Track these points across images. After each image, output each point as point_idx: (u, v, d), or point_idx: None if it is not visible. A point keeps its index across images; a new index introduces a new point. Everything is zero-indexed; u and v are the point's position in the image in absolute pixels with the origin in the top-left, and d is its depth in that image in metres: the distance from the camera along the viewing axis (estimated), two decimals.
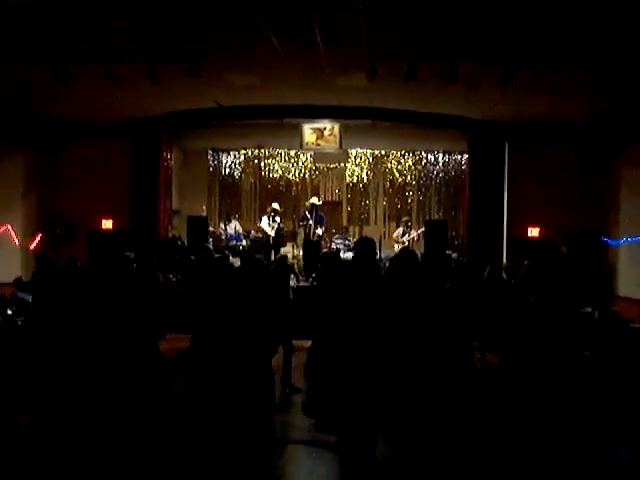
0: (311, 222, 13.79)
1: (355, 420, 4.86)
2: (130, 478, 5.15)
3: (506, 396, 7.05)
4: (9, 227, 12.85)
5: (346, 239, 14.89)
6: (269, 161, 16.91)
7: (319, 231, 13.81)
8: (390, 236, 15.30)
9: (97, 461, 5.20)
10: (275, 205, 14.64)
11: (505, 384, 7.18)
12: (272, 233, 14.05)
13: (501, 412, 7.01)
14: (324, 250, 13.96)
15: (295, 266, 12.16)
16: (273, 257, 13.50)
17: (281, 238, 14.52)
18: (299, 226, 14.67)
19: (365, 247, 5.29)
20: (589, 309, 10.47)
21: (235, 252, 14.05)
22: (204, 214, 15.17)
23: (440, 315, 5.27)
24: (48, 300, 7.77)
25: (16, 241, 13.02)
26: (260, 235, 14.63)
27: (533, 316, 7.24)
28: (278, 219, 14.39)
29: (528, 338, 7.08)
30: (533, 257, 10.84)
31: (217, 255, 8.19)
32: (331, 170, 16.88)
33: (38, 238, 13.52)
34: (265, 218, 14.41)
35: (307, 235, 13.81)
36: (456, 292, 6.55)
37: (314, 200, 14.33)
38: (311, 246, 13.73)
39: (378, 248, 13.36)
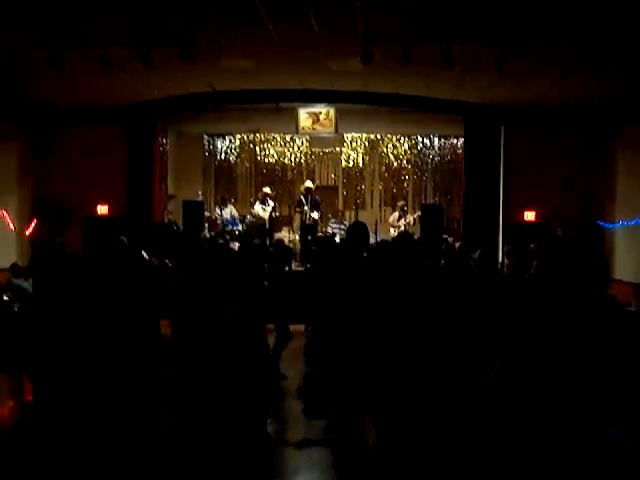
0: (306, 207, 13.85)
1: (350, 402, 4.89)
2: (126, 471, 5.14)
3: (502, 380, 7.10)
4: (4, 213, 12.81)
5: (342, 223, 14.89)
6: (265, 145, 16.86)
7: (315, 215, 13.86)
8: (386, 220, 15.30)
9: (94, 452, 5.19)
10: (266, 189, 14.78)
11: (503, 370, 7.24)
12: (266, 216, 14.16)
13: (496, 396, 7.04)
14: (319, 234, 14.01)
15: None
16: (269, 241, 13.56)
17: (276, 222, 14.59)
18: (295, 211, 14.75)
19: (358, 232, 5.33)
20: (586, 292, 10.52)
21: (232, 237, 14.10)
22: (200, 199, 15.14)
23: (436, 297, 5.31)
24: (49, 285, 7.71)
25: (12, 227, 12.99)
26: (255, 220, 14.66)
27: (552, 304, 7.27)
28: (271, 203, 14.49)
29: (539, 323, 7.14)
30: (535, 241, 10.88)
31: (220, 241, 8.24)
32: (327, 154, 16.84)
33: (34, 224, 13.49)
34: (258, 203, 14.54)
35: (303, 220, 13.88)
36: (446, 274, 6.57)
37: (308, 184, 14.40)
38: (307, 230, 13.78)
39: (372, 232, 13.56)
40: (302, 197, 14.21)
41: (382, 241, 9.96)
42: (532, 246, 10.54)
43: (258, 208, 14.57)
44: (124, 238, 7.54)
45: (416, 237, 13.80)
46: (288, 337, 8.00)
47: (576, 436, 5.96)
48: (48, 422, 5.55)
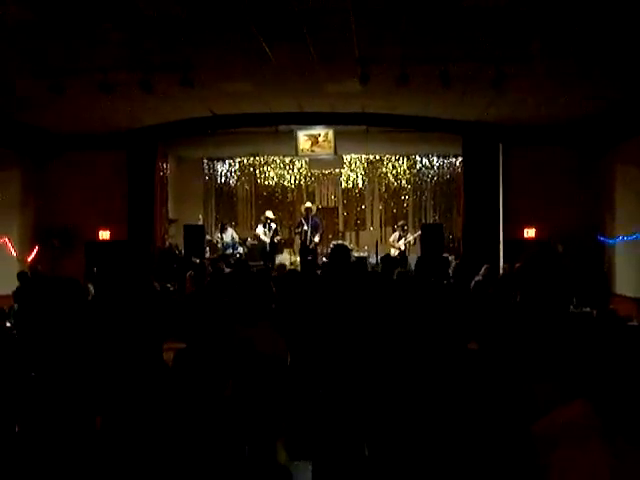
0: (306, 228, 13.91)
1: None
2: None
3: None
4: (6, 239, 12.86)
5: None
6: (264, 168, 16.93)
7: (316, 239, 13.93)
8: (386, 240, 15.33)
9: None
10: (268, 213, 14.82)
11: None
12: (267, 240, 14.22)
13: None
14: (321, 258, 14.03)
15: None
16: (271, 264, 13.60)
17: (277, 245, 14.64)
18: (295, 233, 14.81)
19: (339, 253, 5.49)
20: (587, 308, 10.52)
21: (231, 260, 14.15)
22: (200, 222, 15.20)
23: (434, 316, 5.33)
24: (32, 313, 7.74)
25: (13, 253, 13.03)
26: (256, 242, 14.71)
27: (517, 316, 7.30)
28: (273, 226, 14.54)
29: (509, 336, 7.13)
30: (525, 258, 10.91)
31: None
32: (326, 176, 16.91)
33: (35, 250, 13.54)
34: (261, 226, 14.61)
35: (303, 242, 13.93)
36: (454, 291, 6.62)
37: (308, 204, 14.48)
38: (308, 253, 13.82)
39: (373, 252, 13.60)
40: (302, 219, 14.28)
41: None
42: (517, 265, 10.61)
43: (260, 231, 14.64)
44: (133, 264, 7.61)
45: (417, 256, 13.89)
46: None
47: None
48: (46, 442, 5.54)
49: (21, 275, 10.47)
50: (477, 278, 10.56)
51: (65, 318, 6.16)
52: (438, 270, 10.75)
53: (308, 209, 14.35)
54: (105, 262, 11.92)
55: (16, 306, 10.88)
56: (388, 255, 12.41)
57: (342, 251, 5.55)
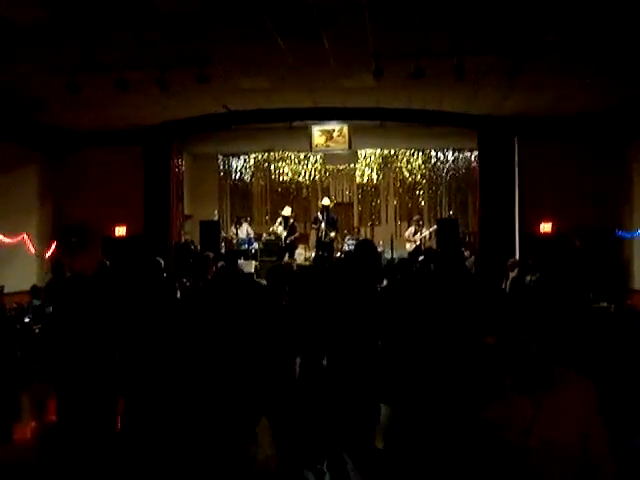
0: (323, 224, 13.93)
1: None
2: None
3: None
4: (25, 236, 12.99)
5: (358, 240, 14.89)
6: (279, 164, 16.94)
7: (332, 234, 13.96)
8: (402, 235, 15.31)
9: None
10: (286, 212, 14.72)
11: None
12: (284, 236, 14.29)
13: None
14: (337, 253, 14.03)
15: None
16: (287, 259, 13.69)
17: (293, 242, 14.66)
18: (311, 228, 14.83)
19: (366, 249, 5.45)
20: (605, 303, 10.47)
21: (248, 256, 14.21)
22: (216, 218, 15.26)
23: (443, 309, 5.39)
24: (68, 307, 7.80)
25: (32, 249, 13.16)
26: (272, 238, 14.74)
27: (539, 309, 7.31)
28: (291, 221, 14.57)
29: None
30: (531, 258, 10.93)
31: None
32: (341, 171, 16.90)
33: (53, 246, 13.67)
34: (277, 223, 14.63)
35: (319, 237, 13.95)
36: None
37: (325, 202, 14.48)
38: (323, 248, 13.84)
39: (389, 248, 13.57)
40: (319, 214, 14.30)
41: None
42: (529, 262, 10.61)
43: (280, 229, 14.59)
44: (160, 259, 7.68)
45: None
46: None
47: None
48: (71, 441, 5.61)
49: (56, 268, 10.43)
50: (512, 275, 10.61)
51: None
52: (455, 264, 10.72)
53: (325, 207, 14.36)
54: (120, 257, 11.98)
55: (35, 302, 11.03)
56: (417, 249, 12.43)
57: (369, 247, 5.50)
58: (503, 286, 10.94)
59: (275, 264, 10.29)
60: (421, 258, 11.00)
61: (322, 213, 14.18)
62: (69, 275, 9.56)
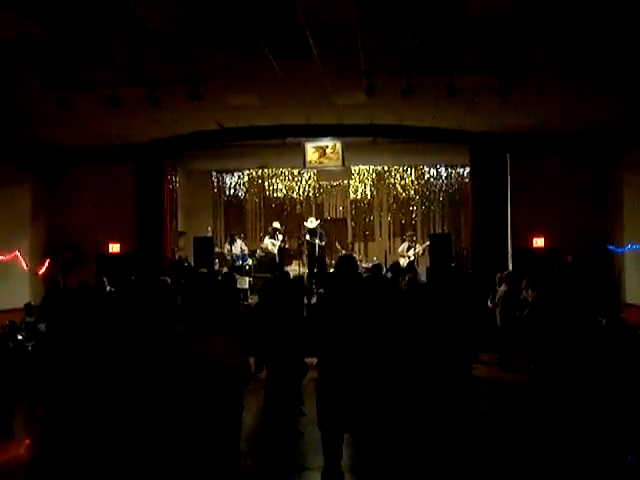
0: (317, 240, 14.06)
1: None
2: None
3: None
4: (18, 253, 12.98)
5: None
6: (273, 180, 16.99)
7: (322, 243, 14.08)
8: (395, 251, 15.34)
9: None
10: (275, 224, 14.95)
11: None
12: (276, 250, 14.33)
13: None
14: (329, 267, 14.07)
15: None
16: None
17: (285, 256, 14.72)
18: (299, 244, 14.95)
19: (345, 264, 5.66)
20: (597, 317, 10.53)
21: (242, 272, 14.22)
22: (210, 234, 15.27)
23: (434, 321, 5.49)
24: (66, 324, 7.80)
25: (25, 266, 13.14)
26: (265, 254, 14.78)
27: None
28: (280, 237, 14.67)
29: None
30: (527, 275, 10.99)
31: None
32: (334, 187, 16.95)
33: (47, 263, 13.65)
34: (267, 238, 14.73)
35: (310, 252, 14.05)
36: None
37: (310, 225, 14.55)
38: (316, 262, 13.93)
39: (383, 263, 13.61)
40: (307, 234, 14.43)
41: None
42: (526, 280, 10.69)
43: (267, 242, 14.75)
44: (167, 279, 7.72)
45: (426, 267, 13.90)
46: (304, 371, 7.87)
47: (593, 459, 5.94)
48: (65, 458, 5.60)
49: (51, 290, 10.51)
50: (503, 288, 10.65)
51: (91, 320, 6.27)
52: (454, 280, 10.78)
53: (311, 230, 14.51)
54: (117, 274, 11.97)
55: (28, 319, 11.01)
56: (397, 263, 12.47)
57: (348, 262, 5.67)
58: (490, 300, 10.98)
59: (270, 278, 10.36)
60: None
61: (309, 233, 14.33)
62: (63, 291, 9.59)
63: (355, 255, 13.96)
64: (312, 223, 14.71)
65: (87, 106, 9.86)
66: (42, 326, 10.15)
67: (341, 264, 5.73)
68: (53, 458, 5.77)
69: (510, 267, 13.28)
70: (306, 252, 14.45)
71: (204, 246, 14.06)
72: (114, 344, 6.31)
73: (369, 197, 16.91)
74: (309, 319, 8.17)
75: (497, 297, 10.81)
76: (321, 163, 14.67)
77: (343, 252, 14.78)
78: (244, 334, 6.27)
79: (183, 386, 5.16)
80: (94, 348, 6.35)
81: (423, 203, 16.79)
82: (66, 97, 9.31)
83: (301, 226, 16.59)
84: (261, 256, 14.92)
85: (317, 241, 14.13)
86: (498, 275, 11.21)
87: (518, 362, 10.23)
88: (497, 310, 10.75)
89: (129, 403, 5.70)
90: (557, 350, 8.97)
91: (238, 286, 12.66)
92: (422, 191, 16.69)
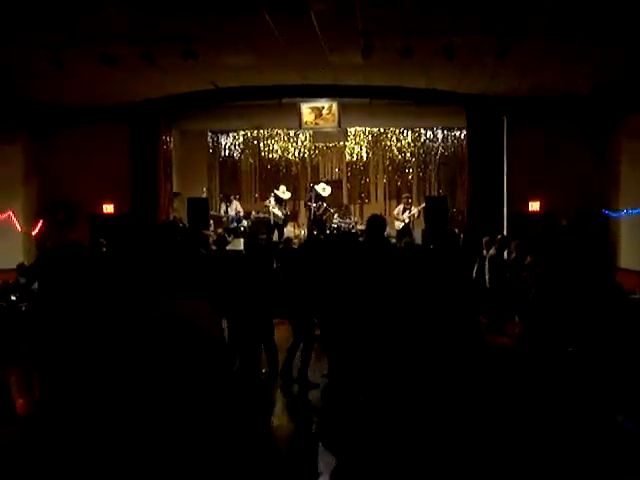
0: (323, 203, 14.22)
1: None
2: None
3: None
4: (11, 214, 12.89)
5: (348, 218, 14.87)
6: (268, 141, 16.85)
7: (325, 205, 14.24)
8: (391, 213, 15.31)
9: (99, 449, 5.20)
10: (285, 195, 15.08)
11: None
12: (281, 214, 14.45)
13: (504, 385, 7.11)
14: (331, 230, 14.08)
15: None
16: (279, 238, 13.76)
17: (285, 219, 14.85)
18: (306, 206, 15.02)
19: (375, 226, 5.59)
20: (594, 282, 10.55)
21: (237, 234, 14.20)
22: (204, 196, 15.20)
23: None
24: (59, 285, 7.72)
25: (18, 227, 13.07)
26: (262, 216, 14.75)
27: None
28: (286, 196, 15.01)
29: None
30: (515, 238, 10.98)
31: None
32: (330, 149, 16.85)
33: (40, 224, 13.57)
34: (274, 202, 14.73)
35: (314, 213, 14.18)
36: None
37: (321, 191, 14.60)
38: (317, 226, 14.01)
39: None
40: (311, 194, 14.47)
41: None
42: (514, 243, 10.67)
43: (275, 208, 14.72)
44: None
45: (421, 229, 13.91)
46: (311, 338, 7.33)
47: (586, 425, 5.99)
48: (56, 419, 5.61)
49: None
50: (492, 252, 10.63)
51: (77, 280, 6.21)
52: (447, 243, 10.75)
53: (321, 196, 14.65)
54: (111, 235, 11.90)
55: (21, 280, 10.98)
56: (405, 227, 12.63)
57: (378, 224, 5.69)
58: (476, 265, 10.95)
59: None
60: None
61: (320, 199, 14.40)
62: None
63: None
64: (325, 191, 14.71)
65: (79, 64, 9.67)
66: (36, 286, 10.13)
67: (372, 225, 5.71)
68: (46, 419, 5.78)
69: (505, 230, 13.29)
70: (304, 215, 14.54)
71: (199, 207, 13.97)
72: (97, 305, 6.26)
73: (365, 159, 16.83)
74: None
75: (486, 260, 10.78)
76: (317, 124, 14.53)
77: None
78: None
79: (155, 346, 5.06)
80: (77, 308, 6.30)
81: (419, 165, 16.73)
82: (57, 54, 9.12)
83: (296, 188, 16.56)
84: (257, 218, 14.89)
85: (325, 205, 14.28)
86: (485, 238, 11.15)
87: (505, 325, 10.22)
88: (486, 270, 10.73)
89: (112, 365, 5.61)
90: (564, 314, 8.90)
91: (233, 248, 12.62)
92: (418, 153, 16.61)
